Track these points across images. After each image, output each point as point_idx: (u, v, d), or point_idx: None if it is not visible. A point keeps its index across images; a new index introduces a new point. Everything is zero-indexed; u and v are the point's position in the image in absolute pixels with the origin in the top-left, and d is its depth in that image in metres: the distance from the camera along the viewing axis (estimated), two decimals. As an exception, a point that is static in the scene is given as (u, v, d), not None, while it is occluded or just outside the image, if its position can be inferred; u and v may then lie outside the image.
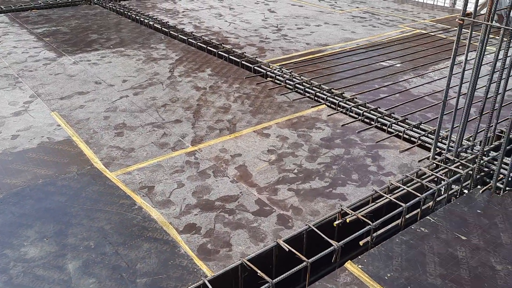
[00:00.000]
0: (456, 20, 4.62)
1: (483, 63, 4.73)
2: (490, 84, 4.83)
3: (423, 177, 4.85)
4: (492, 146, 5.29)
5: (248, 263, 3.59)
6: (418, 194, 4.41)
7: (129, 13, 11.77)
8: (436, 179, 4.88)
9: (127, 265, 3.66)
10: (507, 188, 4.75)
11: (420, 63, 8.47)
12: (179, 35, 9.77)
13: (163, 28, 10.33)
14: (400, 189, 4.59)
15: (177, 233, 4.02)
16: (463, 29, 4.59)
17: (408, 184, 4.71)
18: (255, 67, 7.96)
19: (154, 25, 10.65)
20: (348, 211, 4.21)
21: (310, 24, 11.03)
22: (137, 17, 11.33)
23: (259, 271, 3.49)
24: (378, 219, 4.18)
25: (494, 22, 4.43)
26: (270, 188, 4.71)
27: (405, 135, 5.77)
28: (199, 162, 5.14)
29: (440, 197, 4.67)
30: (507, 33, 4.37)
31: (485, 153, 5.21)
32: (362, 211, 4.25)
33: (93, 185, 4.70)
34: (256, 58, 8.39)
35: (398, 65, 8.39)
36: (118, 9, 12.38)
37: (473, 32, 4.63)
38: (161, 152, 5.34)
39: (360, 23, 11.24)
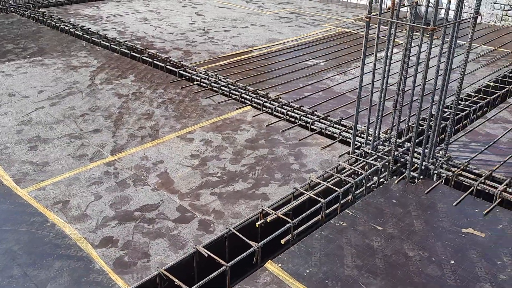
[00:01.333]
0: (363, 18, 4.78)
1: (402, 59, 4.92)
2: (401, 79, 5.05)
3: (343, 172, 4.98)
4: (406, 137, 5.53)
5: (165, 272, 3.50)
6: (336, 189, 4.51)
7: (48, 21, 11.23)
8: (355, 172, 5.02)
9: (36, 287, 3.45)
10: (421, 177, 4.97)
11: (343, 60, 8.72)
12: (102, 41, 9.44)
13: (84, 35, 9.94)
14: (320, 185, 4.67)
15: (92, 248, 3.85)
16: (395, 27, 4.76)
17: (328, 180, 4.81)
18: (180, 71, 7.85)
19: (75, 32, 10.23)
20: (269, 211, 4.22)
21: (237, 26, 11.06)
22: (57, 25, 10.83)
23: (176, 280, 3.41)
24: (300, 216, 4.23)
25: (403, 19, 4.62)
26: (193, 194, 4.63)
27: (327, 132, 5.91)
28: (118, 172, 4.97)
29: (359, 190, 4.81)
30: (426, 31, 4.58)
31: (400, 144, 5.44)
32: (283, 209, 4.28)
33: (1, 204, 4.40)
34: (182, 62, 8.28)
35: (322, 63, 8.60)
36: (37, 16, 11.78)
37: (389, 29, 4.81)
38: (78, 164, 5.11)
39: (287, 24, 11.42)
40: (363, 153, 5.34)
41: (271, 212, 4.20)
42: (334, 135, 5.84)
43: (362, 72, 4.95)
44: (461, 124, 6.27)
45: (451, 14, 5.34)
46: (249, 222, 4.20)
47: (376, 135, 5.38)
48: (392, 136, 5.55)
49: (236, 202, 4.51)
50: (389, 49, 4.93)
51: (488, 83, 7.47)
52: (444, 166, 5.08)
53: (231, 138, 5.77)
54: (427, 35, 4.31)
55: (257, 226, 4.15)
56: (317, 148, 5.56)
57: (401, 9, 11.03)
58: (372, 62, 5.07)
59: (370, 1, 4.69)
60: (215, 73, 7.76)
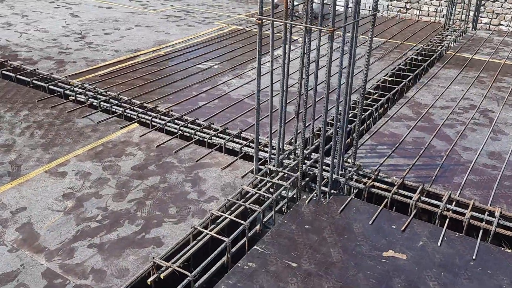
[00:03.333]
0: (255, 19, 4.16)
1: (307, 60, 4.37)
2: (302, 80, 4.54)
3: (248, 196, 4.34)
4: (313, 147, 5.05)
5: None
6: (242, 222, 3.86)
7: None
8: (261, 197, 4.41)
9: None
10: (332, 191, 4.52)
11: (238, 62, 8.11)
12: (-50, 54, 7.80)
13: None
14: (222, 219, 3.98)
15: None
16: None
17: (232, 209, 4.14)
18: (51, 86, 6.65)
19: None
20: (162, 264, 3.43)
21: (119, 28, 9.93)
22: None
23: None
24: (203, 262, 3.51)
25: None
26: (65, 250, 3.68)
27: (227, 147, 5.23)
28: (-38, 232, 3.83)
29: (267, 217, 4.21)
30: (324, 32, 4.05)
31: (307, 156, 4.94)
32: (180, 258, 3.52)
33: None
34: (53, 75, 7.06)
35: (216, 66, 7.91)
36: None
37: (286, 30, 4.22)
38: None
39: (175, 23, 10.54)
40: (268, 171, 4.75)
41: (164, 264, 3.42)
42: (236, 150, 5.18)
43: (260, 81, 4.33)
44: (365, 125, 5.98)
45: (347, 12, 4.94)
46: (138, 281, 3.38)
47: (281, 147, 4.83)
48: (297, 147, 5.05)
49: (121, 254, 3.65)
50: (286, 52, 4.38)
51: (385, 77, 7.34)
52: (355, 177, 4.68)
53: (114, 166, 4.85)
54: (325, 36, 3.81)
55: (149, 283, 3.35)
56: (217, 169, 4.86)
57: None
58: (269, 61, 4.48)
59: (260, 1, 4.07)
60: (94, 86, 6.69)
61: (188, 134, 5.52)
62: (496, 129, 5.80)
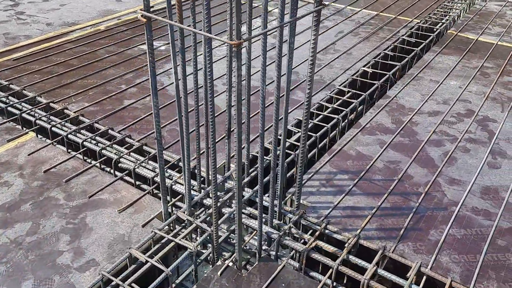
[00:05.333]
0: (139, 16, 2.80)
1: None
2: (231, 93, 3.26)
3: (140, 263, 3.15)
4: (248, 179, 3.80)
5: None
6: (109, 320, 2.68)
7: None
8: (161, 262, 3.21)
9: None
10: (265, 251, 3.31)
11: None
12: None
13: None
14: (87, 308, 2.81)
15: None
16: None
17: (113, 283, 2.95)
18: None
19: None
20: None
21: (63, -7, 8.44)
22: None
23: None
24: None
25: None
26: None
27: (137, 173, 3.99)
28: None
29: (160, 298, 3.03)
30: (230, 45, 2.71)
31: (227, 202, 3.70)
32: None
33: None
34: (-47, 59, 5.75)
35: (162, 47, 6.51)
36: None
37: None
38: None
39: (132, -13, 9.00)
40: (176, 221, 3.53)
41: None
42: (149, 176, 3.94)
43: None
44: (326, 140, 4.68)
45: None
46: None
47: (197, 183, 3.59)
48: (231, 177, 3.80)
49: None
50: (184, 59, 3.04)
51: (364, 68, 5.93)
52: (294, 230, 3.45)
53: (-22, 204, 3.65)
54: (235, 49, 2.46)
55: None
56: (114, 210, 3.65)
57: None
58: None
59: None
60: (-2, 76, 5.39)
61: (94, 151, 4.26)
62: (496, 150, 4.48)
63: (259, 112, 2.78)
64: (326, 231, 3.42)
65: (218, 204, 3.49)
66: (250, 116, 3.39)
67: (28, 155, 4.21)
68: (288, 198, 3.77)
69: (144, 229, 3.46)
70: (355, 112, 5.12)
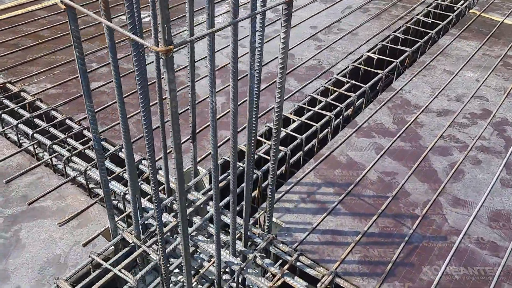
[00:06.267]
0: (58, 3, 2.18)
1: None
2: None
3: (69, 295, 2.66)
4: (208, 196, 3.24)
5: None
6: None
7: None
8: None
9: None
10: (225, 281, 2.79)
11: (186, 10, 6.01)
12: None
13: None
14: None
15: None
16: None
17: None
18: None
19: None
20: None
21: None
22: None
23: None
24: None
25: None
26: None
27: (89, 175, 3.46)
28: None
29: None
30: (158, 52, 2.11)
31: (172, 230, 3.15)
32: None
33: None
34: None
35: (147, 19, 5.84)
36: None
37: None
38: None
39: None
40: (123, 242, 3.01)
41: None
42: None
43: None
44: (315, 141, 4.06)
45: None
46: None
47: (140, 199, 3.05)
48: (154, 213, 3.24)
49: None
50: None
51: (369, 54, 5.21)
52: (259, 261, 2.91)
53: None
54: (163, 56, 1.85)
55: None
56: (55, 222, 3.14)
57: None
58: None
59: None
60: (-46, 48, 4.82)
61: (45, 146, 3.72)
62: (512, 163, 3.84)
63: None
64: (298, 263, 2.88)
65: (170, 225, 2.95)
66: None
67: (-30, 147, 3.71)
68: (260, 215, 3.22)
69: (86, 249, 2.96)
70: (352, 108, 4.47)
